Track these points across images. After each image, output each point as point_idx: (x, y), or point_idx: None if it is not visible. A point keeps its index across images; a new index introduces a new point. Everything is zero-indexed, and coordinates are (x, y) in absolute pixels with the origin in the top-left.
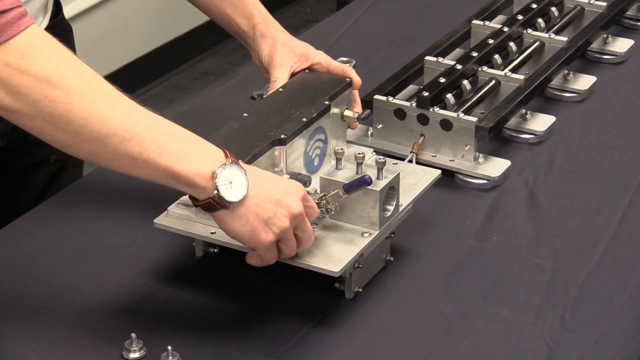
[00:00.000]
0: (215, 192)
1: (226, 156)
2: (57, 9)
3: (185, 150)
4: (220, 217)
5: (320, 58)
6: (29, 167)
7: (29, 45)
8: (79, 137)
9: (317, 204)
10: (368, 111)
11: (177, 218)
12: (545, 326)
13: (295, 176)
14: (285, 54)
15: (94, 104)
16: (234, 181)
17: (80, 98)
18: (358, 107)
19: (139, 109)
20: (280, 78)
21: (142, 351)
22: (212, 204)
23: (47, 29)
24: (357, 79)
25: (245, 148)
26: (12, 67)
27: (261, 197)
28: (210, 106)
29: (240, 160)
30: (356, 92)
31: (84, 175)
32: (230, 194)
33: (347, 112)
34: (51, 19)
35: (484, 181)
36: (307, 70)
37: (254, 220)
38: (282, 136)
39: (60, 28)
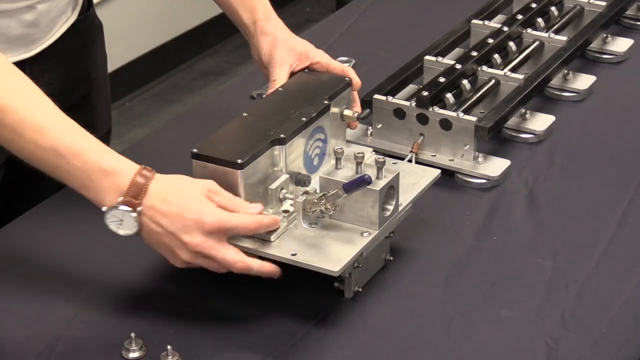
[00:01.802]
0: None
1: (125, 195)
2: (89, 4)
3: (88, 182)
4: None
5: (320, 57)
6: None
7: None
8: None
9: (316, 203)
10: (367, 111)
11: None
12: (545, 326)
13: (294, 176)
14: (285, 52)
15: (4, 135)
16: (124, 219)
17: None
18: (357, 108)
19: (52, 133)
20: (279, 77)
21: (141, 351)
22: None
23: (76, 23)
24: (356, 80)
25: (245, 148)
26: None
27: (158, 232)
28: (210, 106)
29: (147, 189)
30: (355, 93)
31: None
32: (121, 229)
33: (346, 112)
34: (81, 13)
35: (484, 181)
36: (306, 70)
37: (157, 247)
38: (282, 136)
39: (89, 23)
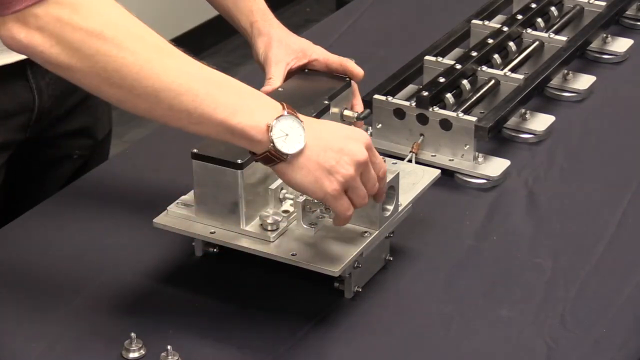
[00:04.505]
0: (271, 144)
1: (283, 108)
2: None
3: (241, 104)
4: (281, 170)
5: (318, 54)
6: (52, 161)
7: (79, 0)
8: (133, 92)
9: (317, 203)
10: (368, 111)
11: (177, 218)
12: (545, 326)
13: None
14: (281, 51)
15: (146, 58)
16: (290, 133)
17: (132, 52)
18: (357, 101)
19: (193, 63)
20: (274, 75)
21: (141, 351)
22: (270, 157)
23: None
24: (358, 72)
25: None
26: (64, 22)
27: (321, 146)
28: None
29: (297, 113)
30: (356, 86)
31: (83, 175)
32: (286, 146)
33: (346, 112)
34: None
35: (484, 181)
36: (306, 70)
37: (316, 169)
38: None
39: None
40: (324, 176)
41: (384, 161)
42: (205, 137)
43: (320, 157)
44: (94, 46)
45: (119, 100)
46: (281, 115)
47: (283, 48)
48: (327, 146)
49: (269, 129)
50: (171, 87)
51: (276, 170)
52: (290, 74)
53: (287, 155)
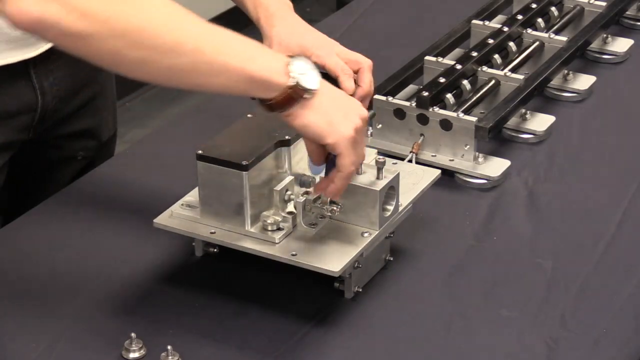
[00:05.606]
0: (295, 82)
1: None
2: None
3: (257, 52)
4: (296, 113)
5: (318, 55)
6: (55, 162)
7: None
8: (156, 50)
9: (319, 208)
10: (373, 112)
11: (178, 218)
12: (545, 326)
13: (299, 177)
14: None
15: (166, 15)
16: (307, 72)
17: (149, 9)
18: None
19: (206, 22)
20: None
21: (141, 351)
22: (290, 97)
23: None
24: (349, 85)
25: (250, 149)
26: None
27: (332, 93)
28: (210, 106)
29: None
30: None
31: (83, 175)
32: (309, 82)
33: None
34: None
35: (484, 181)
36: None
37: (333, 112)
38: (287, 137)
39: None
40: (339, 119)
41: (386, 162)
42: (221, 92)
43: (334, 101)
44: (112, 8)
45: (139, 62)
46: (294, 56)
47: (283, 50)
48: (337, 95)
49: (287, 68)
50: (192, 36)
51: (291, 114)
52: None
53: (310, 90)
